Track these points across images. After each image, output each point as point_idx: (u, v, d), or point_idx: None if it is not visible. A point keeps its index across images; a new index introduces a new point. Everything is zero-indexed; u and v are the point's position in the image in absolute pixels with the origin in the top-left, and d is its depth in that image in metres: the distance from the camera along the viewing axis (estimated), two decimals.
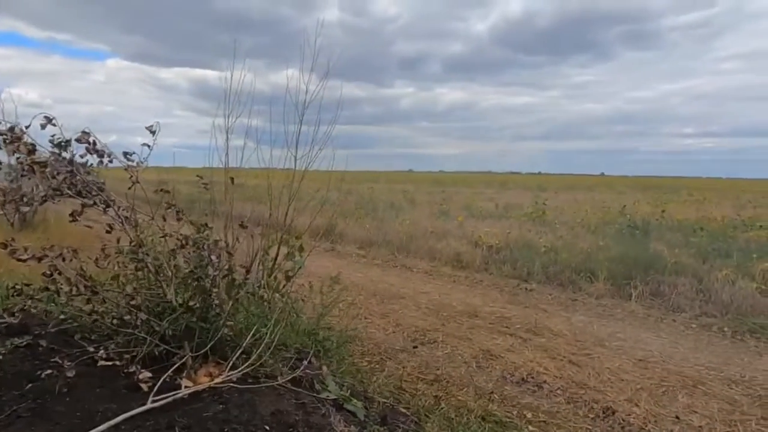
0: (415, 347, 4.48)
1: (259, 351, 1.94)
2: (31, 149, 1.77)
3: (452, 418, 2.61)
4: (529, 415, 3.30)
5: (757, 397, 3.58)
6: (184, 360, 1.84)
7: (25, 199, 1.84)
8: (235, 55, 3.18)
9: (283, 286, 3.02)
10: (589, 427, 3.19)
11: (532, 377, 3.87)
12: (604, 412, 3.37)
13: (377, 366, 3.99)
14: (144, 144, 1.90)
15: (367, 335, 4.73)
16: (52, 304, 1.87)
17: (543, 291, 6.43)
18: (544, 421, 3.24)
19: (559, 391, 3.65)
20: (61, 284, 1.80)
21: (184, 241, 1.96)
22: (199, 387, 1.74)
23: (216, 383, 1.77)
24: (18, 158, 1.77)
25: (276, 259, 3.17)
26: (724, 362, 4.21)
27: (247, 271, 2.29)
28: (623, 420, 3.27)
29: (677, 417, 3.32)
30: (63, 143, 1.83)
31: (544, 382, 3.79)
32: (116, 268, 2.00)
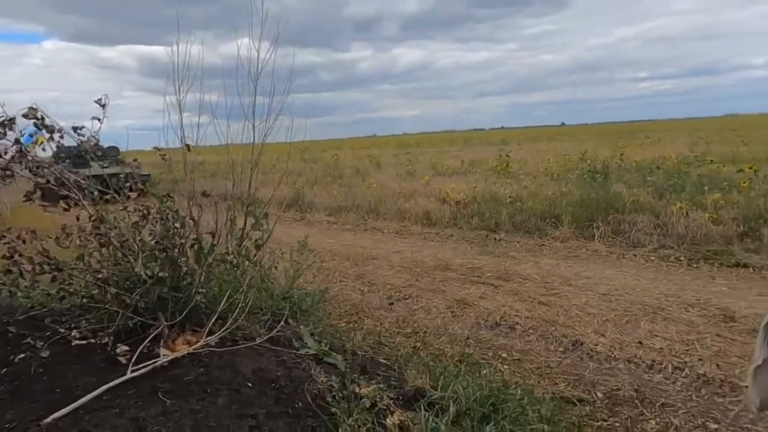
0: (391, 304, 4.59)
1: (234, 315, 1.97)
2: None
3: (430, 363, 2.72)
4: (503, 355, 3.47)
5: (711, 317, 3.84)
6: (160, 330, 1.86)
7: None
8: (183, 29, 3.05)
9: (254, 255, 3.04)
10: (560, 360, 3.38)
11: (505, 320, 4.04)
12: (573, 345, 3.56)
13: (356, 325, 4.09)
14: (94, 117, 1.84)
15: (344, 297, 4.81)
16: (16, 288, 1.83)
17: (511, 240, 6.62)
18: (518, 359, 3.42)
19: (530, 331, 3.83)
20: (23, 264, 1.77)
21: (146, 212, 1.94)
22: (178, 354, 1.76)
23: (194, 349, 1.79)
24: None
25: (244, 228, 3.16)
26: (681, 288, 4.47)
27: (213, 236, 2.28)
28: (591, 350, 3.47)
29: (640, 342, 3.54)
30: (7, 122, 1.76)
31: (517, 323, 3.96)
32: (79, 245, 1.97)
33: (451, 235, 7.17)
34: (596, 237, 6.15)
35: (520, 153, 18.06)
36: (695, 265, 5.10)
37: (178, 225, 1.95)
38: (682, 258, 5.28)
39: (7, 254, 1.75)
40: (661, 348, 3.43)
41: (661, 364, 3.24)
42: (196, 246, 2.15)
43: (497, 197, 8.24)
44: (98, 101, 1.88)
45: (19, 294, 2.04)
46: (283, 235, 4.62)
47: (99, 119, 1.88)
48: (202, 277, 2.01)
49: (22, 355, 1.72)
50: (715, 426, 2.59)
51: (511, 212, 7.29)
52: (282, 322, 2.16)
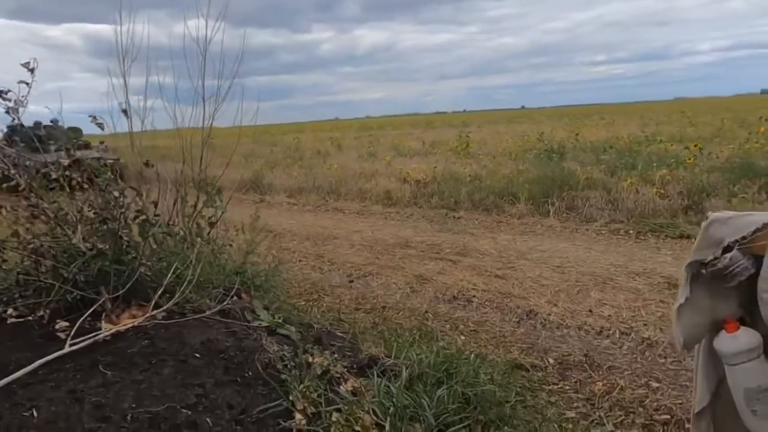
0: (351, 282, 4.59)
1: (182, 288, 1.92)
2: None
3: (385, 335, 2.74)
4: (460, 326, 3.53)
5: (656, 285, 4.02)
6: (101, 304, 1.79)
7: None
8: (132, 6, 2.88)
9: (208, 233, 2.96)
10: (515, 329, 3.47)
11: (463, 294, 4.10)
12: (527, 315, 3.66)
13: (316, 303, 4.08)
14: (21, 81, 1.73)
15: (303, 276, 4.78)
16: None
17: (470, 217, 6.72)
18: (474, 330, 3.49)
19: (487, 303, 3.91)
20: None
21: (80, 180, 1.85)
22: (121, 327, 1.70)
23: (139, 323, 1.74)
24: None
25: (195, 206, 3.07)
26: (629, 259, 4.66)
27: (156, 206, 2.21)
28: (544, 319, 3.58)
29: (590, 310, 3.67)
30: None
31: (474, 296, 4.04)
32: (10, 217, 1.86)
33: (411, 215, 7.21)
34: (551, 213, 6.31)
35: (480, 134, 18.31)
36: (642, 238, 5.32)
37: (117, 194, 1.87)
38: (630, 231, 5.49)
39: None
40: (609, 315, 3.57)
41: (609, 330, 3.37)
42: (139, 219, 2.07)
43: (457, 176, 8.33)
44: (25, 65, 1.76)
45: None
46: (242, 216, 4.54)
47: (27, 83, 1.77)
48: (147, 250, 1.94)
49: None
50: (657, 384, 2.72)
51: (470, 191, 7.39)
52: (233, 296, 2.13)
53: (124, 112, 2.35)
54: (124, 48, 2.97)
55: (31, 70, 1.78)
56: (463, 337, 3.32)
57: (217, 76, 3.18)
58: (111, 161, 9.54)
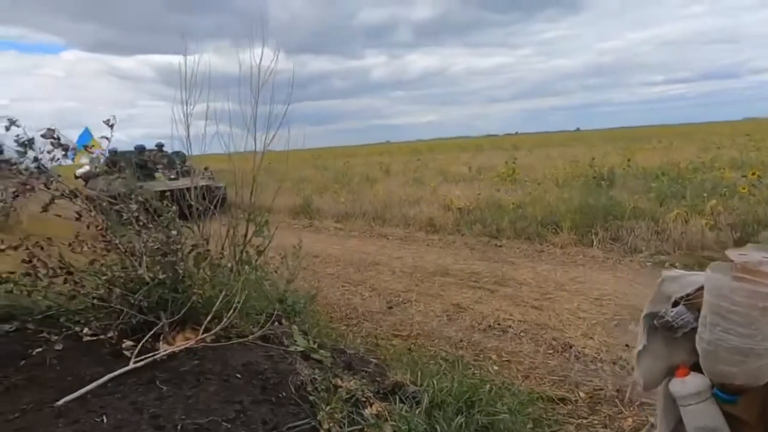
0: (390, 308, 4.76)
1: (229, 315, 2.17)
2: None
3: (412, 362, 2.89)
4: (493, 356, 3.61)
5: None
6: (161, 327, 2.06)
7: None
8: (198, 37, 3.24)
9: (256, 260, 3.24)
10: (548, 361, 3.52)
11: (498, 324, 4.18)
12: (562, 347, 3.70)
13: (355, 328, 4.27)
14: (102, 137, 2.06)
15: (345, 302, 4.99)
16: (34, 290, 2.05)
17: (512, 246, 6.76)
18: (507, 360, 3.56)
19: (521, 334, 3.97)
20: (39, 269, 1.99)
21: (146, 221, 2.15)
22: (175, 348, 1.96)
23: (190, 345, 1.99)
24: None
25: (246, 235, 3.36)
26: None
27: (207, 242, 2.49)
28: (579, 352, 3.61)
29: (627, 345, 3.65)
30: (27, 142, 1.99)
31: (509, 327, 4.11)
32: (90, 251, 2.18)
33: (453, 242, 7.32)
34: (595, 243, 6.25)
35: (530, 159, 18.11)
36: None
37: (175, 232, 2.16)
38: (677, 264, 5.36)
39: (26, 259, 1.98)
40: None
41: None
42: (194, 251, 2.36)
43: (500, 204, 8.37)
44: (106, 122, 2.10)
45: (34, 297, 2.27)
46: (289, 240, 4.83)
47: (108, 138, 2.10)
48: (199, 280, 2.21)
49: (39, 349, 1.93)
50: None
51: (513, 219, 7.42)
52: (273, 322, 2.35)
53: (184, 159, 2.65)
54: (190, 76, 3.30)
55: (111, 126, 2.11)
56: (495, 367, 3.41)
57: (275, 103, 3.45)
58: (219, 188, 9.87)
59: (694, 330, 1.01)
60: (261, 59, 3.52)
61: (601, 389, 3.11)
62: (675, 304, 1.05)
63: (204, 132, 3.54)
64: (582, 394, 3.07)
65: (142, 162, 9.47)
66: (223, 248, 3.05)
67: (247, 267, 2.89)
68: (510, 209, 7.89)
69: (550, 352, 3.66)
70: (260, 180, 3.67)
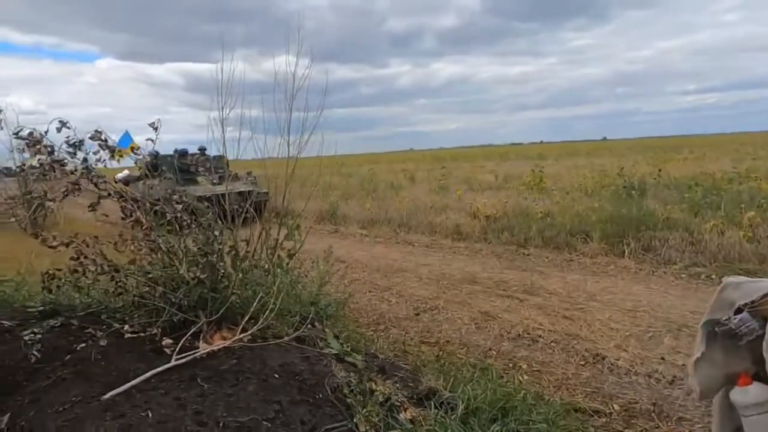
0: (417, 314, 4.74)
1: (265, 316, 2.19)
2: (51, 150, 2.00)
3: (446, 368, 2.87)
4: (523, 366, 3.56)
5: None
6: (200, 326, 2.10)
7: (48, 196, 2.09)
8: (227, 46, 3.30)
9: (287, 264, 3.27)
10: (580, 372, 3.45)
11: (528, 333, 4.12)
12: (594, 358, 3.62)
13: (382, 333, 4.27)
14: (148, 139, 2.13)
15: (372, 307, 4.99)
16: (79, 287, 2.11)
17: (540, 255, 6.67)
18: (538, 370, 3.50)
19: (552, 344, 3.90)
20: (88, 266, 2.05)
21: (189, 221, 2.20)
22: (215, 347, 1.99)
23: (229, 344, 2.02)
24: (39, 160, 2.00)
25: (278, 239, 3.40)
26: None
27: (247, 243, 2.53)
28: (612, 364, 3.53)
29: (663, 358, 3.57)
30: (77, 143, 2.06)
31: (539, 336, 4.05)
32: (133, 250, 2.24)
33: (480, 250, 7.27)
34: (626, 253, 6.13)
35: (556, 168, 17.90)
36: None
37: (217, 233, 2.20)
38: (713, 276, 5.21)
39: (74, 256, 2.04)
40: (683, 364, 3.45)
41: (682, 380, 3.26)
42: (232, 252, 2.40)
43: (528, 212, 8.29)
44: (152, 124, 2.16)
45: (79, 294, 2.34)
46: (316, 245, 4.87)
47: (152, 140, 2.16)
48: (237, 281, 2.24)
49: (83, 344, 1.98)
50: None
51: (541, 227, 7.33)
52: (308, 324, 2.37)
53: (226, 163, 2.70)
54: (225, 83, 3.37)
55: (155, 129, 2.17)
56: (525, 377, 3.36)
57: (302, 110, 3.50)
58: (262, 193, 9.54)
59: (759, 338, 0.98)
60: (296, 67, 3.58)
61: (636, 402, 3.04)
62: (738, 311, 1.02)
63: (239, 137, 3.59)
64: (616, 407, 3.00)
65: (185, 166, 9.52)
66: (254, 250, 3.09)
67: (279, 270, 2.92)
68: (538, 218, 7.80)
69: (582, 363, 3.59)
70: (292, 185, 3.71)
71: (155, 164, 10.14)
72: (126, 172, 9.83)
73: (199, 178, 9.09)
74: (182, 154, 10.47)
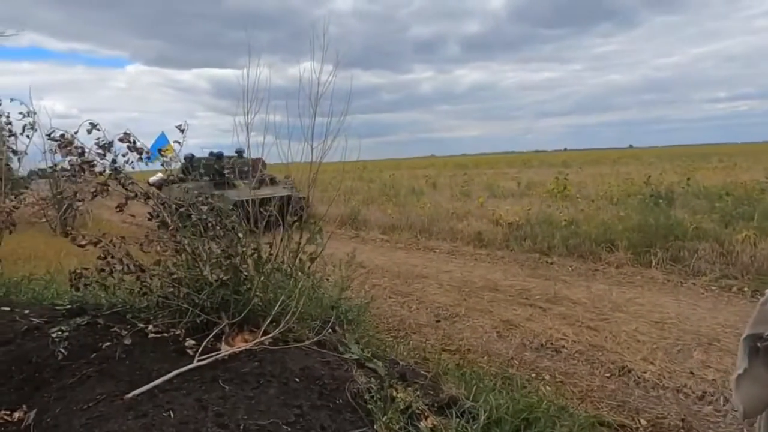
0: (438, 321, 4.69)
1: (286, 319, 2.19)
2: (81, 152, 2.05)
3: (467, 377, 2.82)
4: (546, 377, 3.49)
5: None
6: (222, 328, 2.11)
7: (78, 196, 2.13)
8: (252, 52, 3.33)
9: (308, 267, 3.27)
10: (605, 385, 3.36)
11: (551, 343, 4.04)
12: (619, 371, 3.53)
13: (402, 339, 4.23)
14: (176, 141, 2.16)
15: (392, 313, 4.96)
16: (105, 286, 2.15)
17: (563, 263, 6.55)
18: (561, 381, 3.42)
19: (576, 354, 3.82)
20: (114, 265, 2.08)
21: (214, 223, 2.22)
22: (237, 349, 2.00)
23: (250, 346, 2.03)
24: (70, 160, 2.05)
25: (299, 242, 3.41)
26: (742, 320, 4.28)
27: (270, 246, 2.53)
28: (638, 377, 3.43)
29: (692, 372, 3.45)
30: (106, 145, 2.10)
31: (563, 347, 3.96)
32: (158, 252, 2.27)
33: (502, 257, 7.18)
34: (653, 264, 5.97)
35: (581, 176, 17.63)
36: (760, 297, 4.86)
37: (240, 235, 2.21)
38: (745, 289, 5.04)
39: (102, 256, 2.08)
40: (713, 379, 3.34)
41: (713, 395, 3.15)
42: (255, 255, 2.41)
43: (551, 220, 8.16)
44: (179, 126, 2.19)
45: (106, 293, 2.38)
46: (337, 250, 4.86)
47: (179, 143, 2.20)
48: (259, 283, 2.25)
49: (108, 343, 2.01)
50: None
51: (565, 236, 7.21)
52: (329, 329, 2.36)
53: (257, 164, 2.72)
54: (247, 89, 3.40)
55: (182, 131, 2.20)
56: (548, 388, 3.28)
57: (324, 115, 3.50)
58: (302, 198, 9.28)
59: None
60: (320, 72, 3.60)
61: (664, 418, 2.94)
62: None
63: (263, 141, 3.62)
64: (643, 422, 2.91)
65: (221, 169, 9.44)
66: (276, 254, 3.10)
67: (300, 273, 2.92)
68: (562, 226, 7.67)
69: (608, 375, 3.49)
70: (314, 189, 3.72)
71: (189, 167, 9.96)
72: (159, 175, 9.86)
73: (237, 182, 9.03)
74: (218, 156, 10.28)
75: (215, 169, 9.77)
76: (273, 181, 9.61)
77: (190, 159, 9.85)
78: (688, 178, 11.59)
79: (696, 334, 4.02)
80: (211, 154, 10.24)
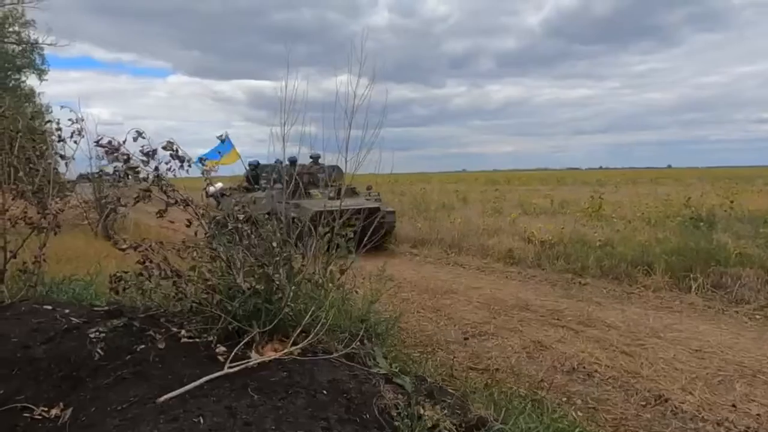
0: (466, 339, 4.62)
1: (316, 330, 2.20)
2: (127, 158, 2.13)
3: (496, 398, 2.76)
4: (578, 401, 3.38)
5: None
6: (253, 336, 2.13)
7: (121, 201, 2.21)
8: (289, 65, 3.39)
9: (338, 279, 3.28)
10: (640, 414, 3.23)
11: (583, 367, 3.92)
12: (656, 400, 3.39)
13: (429, 355, 4.18)
14: (217, 151, 2.21)
15: (420, 328, 4.92)
16: (142, 290, 2.21)
17: (597, 285, 6.38)
18: (593, 407, 3.31)
19: (609, 380, 3.69)
20: (152, 270, 2.14)
21: (250, 232, 2.26)
22: (266, 358, 2.01)
23: (280, 356, 2.04)
24: (115, 167, 2.13)
25: (331, 254, 3.42)
26: None
27: (303, 257, 2.55)
28: (676, 407, 3.29)
29: (734, 405, 3.29)
30: (150, 152, 2.18)
31: (596, 371, 3.84)
32: (194, 258, 2.32)
33: (533, 276, 7.05)
34: (693, 289, 5.75)
35: (617, 195, 17.18)
36: None
37: (275, 245, 2.24)
38: None
39: (141, 260, 2.14)
40: (758, 414, 3.17)
41: (757, 431, 2.99)
42: (287, 265, 2.43)
43: (585, 240, 7.97)
44: (219, 137, 2.25)
45: (142, 296, 2.44)
46: (366, 262, 4.87)
47: (219, 152, 2.25)
48: (291, 294, 2.27)
49: (143, 346, 2.06)
50: None
51: (600, 256, 7.02)
52: (358, 342, 2.36)
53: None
54: (284, 100, 3.46)
55: (222, 141, 2.26)
56: (579, 413, 3.18)
57: (358, 128, 3.53)
58: (390, 213, 8.25)
59: None
60: (357, 86, 3.64)
61: None
62: None
63: (298, 152, 3.68)
64: None
65: (296, 178, 9.25)
66: (307, 262, 3.13)
67: (331, 285, 2.93)
68: (596, 246, 7.48)
69: (643, 403, 3.36)
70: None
71: (256, 175, 9.46)
72: (219, 184, 9.72)
73: (314, 191, 8.05)
74: (291, 163, 10.15)
75: (290, 177, 9.58)
76: (354, 192, 8.57)
77: (254, 166, 9.51)
78: (731, 201, 11.14)
79: (739, 365, 3.83)
80: (277, 160, 9.96)
